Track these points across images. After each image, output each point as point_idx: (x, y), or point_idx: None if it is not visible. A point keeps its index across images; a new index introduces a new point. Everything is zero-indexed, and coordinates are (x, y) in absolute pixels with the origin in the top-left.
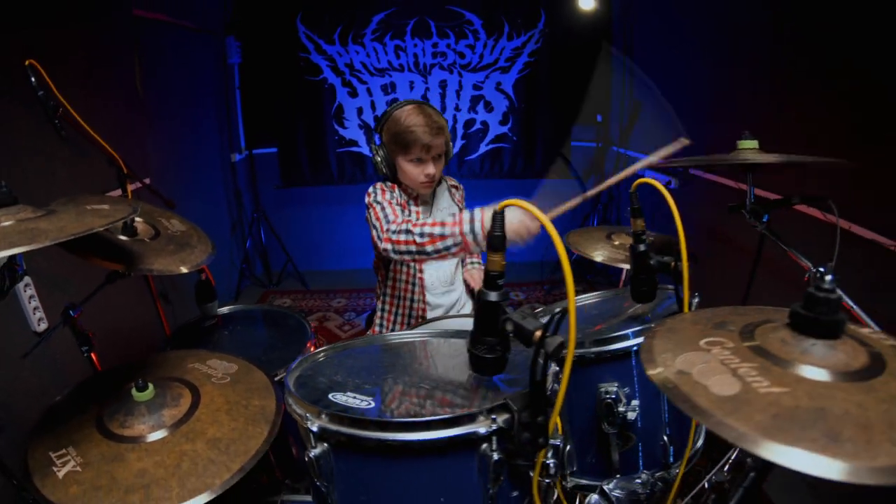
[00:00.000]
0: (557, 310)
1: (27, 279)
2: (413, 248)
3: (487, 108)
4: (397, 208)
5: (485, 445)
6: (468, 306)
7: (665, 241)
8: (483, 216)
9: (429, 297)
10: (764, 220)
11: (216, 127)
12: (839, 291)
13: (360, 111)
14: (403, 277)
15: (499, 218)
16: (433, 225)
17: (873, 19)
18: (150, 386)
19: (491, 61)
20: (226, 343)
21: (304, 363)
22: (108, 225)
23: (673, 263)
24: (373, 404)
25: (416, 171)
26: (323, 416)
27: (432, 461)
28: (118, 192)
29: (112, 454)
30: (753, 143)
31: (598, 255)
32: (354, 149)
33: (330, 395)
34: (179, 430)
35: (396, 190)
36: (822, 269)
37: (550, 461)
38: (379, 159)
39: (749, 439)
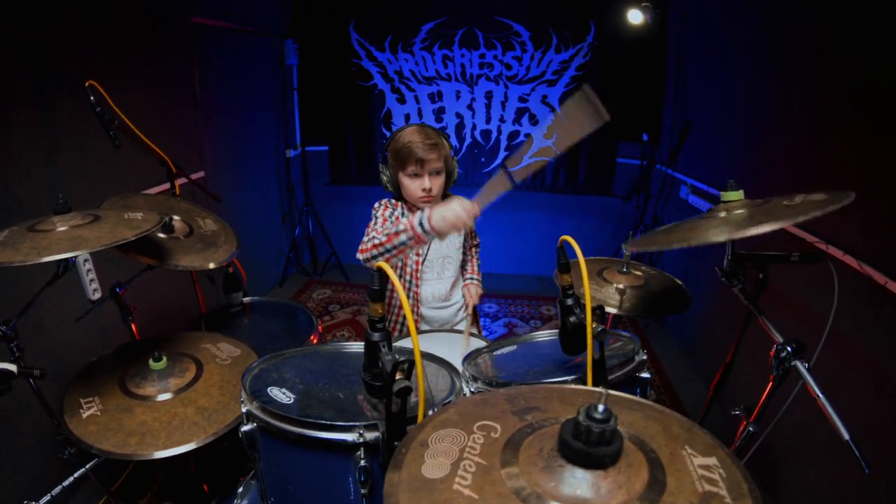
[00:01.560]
0: (404, 359)
1: (86, 255)
2: (375, 251)
3: (532, 120)
4: (390, 223)
5: (357, 453)
6: (463, 323)
7: (665, 282)
8: (430, 213)
9: (422, 310)
10: (739, 281)
11: (272, 124)
12: (614, 422)
13: (407, 117)
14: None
15: (375, 276)
16: (392, 226)
17: None
18: (164, 358)
19: (538, 74)
20: (243, 329)
21: (271, 359)
22: (135, 237)
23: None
24: (291, 401)
25: (413, 186)
26: (254, 403)
27: (320, 455)
28: (167, 185)
29: (125, 406)
30: (738, 195)
31: (579, 291)
32: None
33: (268, 389)
34: (179, 396)
35: (399, 207)
36: (600, 398)
37: None
38: (385, 178)
39: None
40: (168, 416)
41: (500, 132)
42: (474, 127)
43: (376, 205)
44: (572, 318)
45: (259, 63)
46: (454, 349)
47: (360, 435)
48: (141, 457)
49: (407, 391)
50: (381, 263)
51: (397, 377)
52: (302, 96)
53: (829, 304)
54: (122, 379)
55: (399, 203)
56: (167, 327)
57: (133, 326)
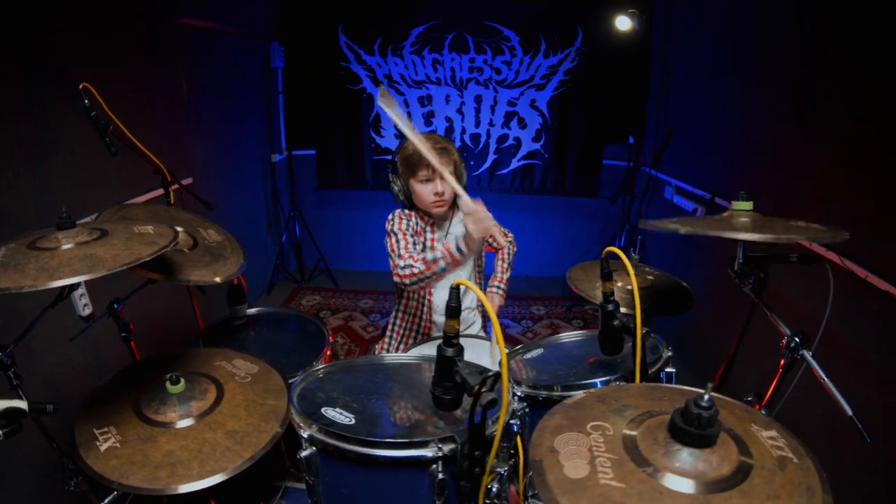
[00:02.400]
0: (490, 373)
1: None
2: (415, 278)
3: (521, 124)
4: (410, 239)
5: (433, 467)
6: (476, 325)
7: (670, 283)
8: (463, 236)
9: (435, 318)
10: (750, 281)
11: (258, 128)
12: (716, 409)
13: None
14: (415, 297)
15: (454, 292)
16: (428, 252)
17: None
18: (182, 380)
19: (526, 78)
20: (251, 343)
21: (308, 377)
22: (154, 254)
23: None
24: (353, 421)
25: (425, 191)
26: (313, 426)
27: (393, 472)
28: (160, 191)
29: (146, 435)
30: (748, 205)
31: (596, 294)
32: (389, 157)
33: (322, 410)
34: (204, 420)
35: (413, 217)
36: (704, 391)
37: (494, 486)
38: (396, 188)
39: None
40: (197, 443)
41: (489, 136)
42: (464, 131)
43: (390, 217)
44: (616, 322)
45: (245, 65)
46: (473, 353)
47: (439, 448)
48: (174, 491)
49: (493, 404)
50: (462, 280)
51: (478, 388)
52: (288, 100)
53: (820, 301)
54: (137, 404)
55: (412, 213)
56: (164, 344)
57: (133, 345)
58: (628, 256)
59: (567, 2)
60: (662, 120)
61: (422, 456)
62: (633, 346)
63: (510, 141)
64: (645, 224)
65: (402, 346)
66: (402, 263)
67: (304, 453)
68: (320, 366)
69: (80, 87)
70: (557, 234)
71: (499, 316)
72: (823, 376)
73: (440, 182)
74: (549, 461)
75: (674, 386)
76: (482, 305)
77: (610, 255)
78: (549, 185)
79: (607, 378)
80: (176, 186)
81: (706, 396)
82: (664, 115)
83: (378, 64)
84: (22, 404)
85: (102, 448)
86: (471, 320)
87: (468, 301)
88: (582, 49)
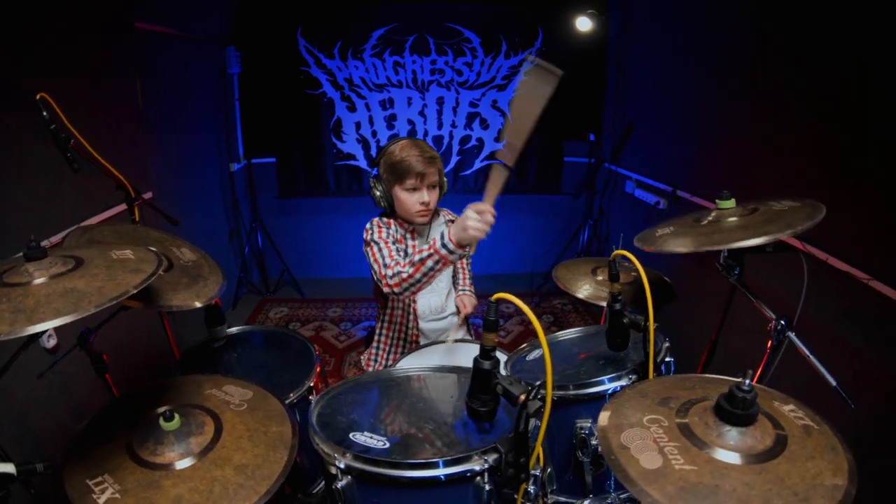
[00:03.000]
0: (538, 383)
1: None
2: (406, 284)
3: (483, 125)
4: (393, 247)
5: (478, 479)
6: (461, 330)
7: (651, 277)
8: (448, 232)
9: (422, 325)
10: (735, 272)
11: (215, 136)
12: (755, 392)
13: (358, 126)
14: (400, 307)
15: (492, 307)
16: (415, 255)
17: (861, 57)
18: (176, 416)
19: (488, 79)
20: (235, 366)
21: (321, 401)
22: (143, 283)
23: (643, 323)
24: (387, 444)
25: (411, 200)
26: (347, 455)
27: (436, 491)
28: (122, 207)
29: (148, 481)
30: (731, 203)
31: (582, 292)
32: (352, 162)
33: (351, 435)
34: (207, 456)
35: (392, 225)
36: (744, 376)
37: (531, 488)
38: (378, 193)
39: None
40: (206, 483)
41: (451, 137)
42: (426, 133)
43: (368, 226)
44: (625, 320)
45: (201, 72)
46: (464, 357)
47: (484, 461)
48: None
49: (541, 411)
50: (503, 294)
51: (524, 397)
52: (245, 107)
53: (788, 285)
54: (130, 446)
55: (391, 221)
56: (139, 374)
57: (108, 378)
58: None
59: (527, 3)
60: (620, 117)
61: (469, 471)
62: (644, 342)
63: (473, 142)
64: (641, 246)
65: (391, 357)
66: (389, 273)
67: (339, 484)
68: (330, 388)
69: (38, 97)
70: (521, 232)
71: (471, 316)
72: (808, 353)
73: (427, 191)
74: (624, 457)
75: (698, 375)
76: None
77: (620, 258)
78: (513, 183)
79: (618, 373)
80: (139, 202)
81: (747, 382)
82: (622, 112)
83: (338, 68)
84: (9, 468)
85: (101, 501)
86: (454, 324)
87: (451, 306)
88: (542, 49)
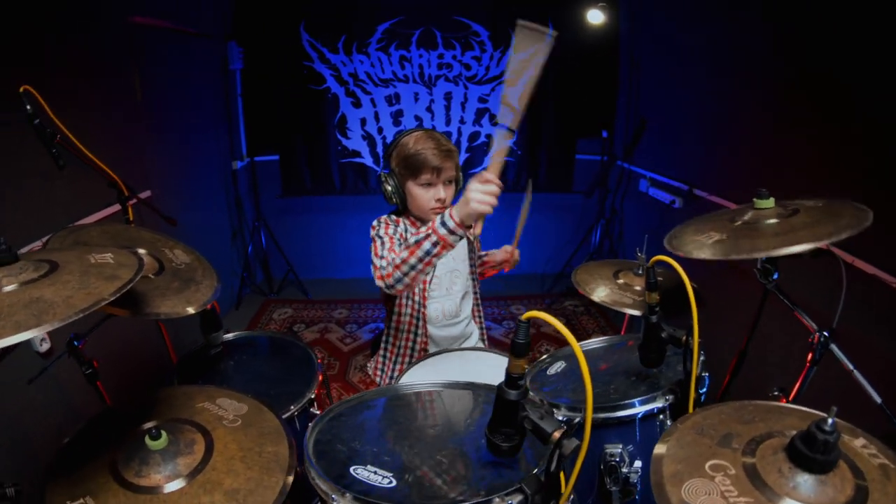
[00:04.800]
0: (578, 419)
1: None
2: (399, 272)
3: (492, 121)
4: (397, 242)
5: None
6: (474, 336)
7: (678, 281)
8: (450, 210)
9: (431, 331)
10: (773, 277)
11: (216, 134)
12: (838, 433)
13: (363, 122)
14: (408, 311)
15: (523, 328)
16: (409, 238)
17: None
18: (164, 434)
19: (497, 73)
20: (232, 375)
21: (319, 424)
22: (117, 293)
23: (684, 338)
24: (393, 482)
25: (426, 196)
26: (347, 495)
27: None
28: (116, 207)
29: None
30: (769, 203)
31: (599, 296)
32: (357, 160)
33: (351, 469)
34: (196, 479)
35: (401, 224)
36: (829, 414)
37: None
38: (389, 188)
39: None
40: None
41: (460, 134)
42: (434, 129)
43: (375, 223)
44: (664, 334)
45: (202, 67)
46: (474, 366)
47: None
48: None
49: (577, 451)
50: (534, 313)
51: (558, 436)
52: (247, 103)
53: (821, 293)
54: (115, 466)
55: (400, 219)
56: (134, 382)
57: (100, 385)
58: (634, 256)
59: None
60: (633, 112)
61: None
62: (685, 358)
63: (482, 138)
64: (671, 247)
65: (398, 367)
66: (384, 263)
67: None
68: (330, 407)
69: (21, 90)
70: (532, 232)
71: (507, 264)
72: (852, 368)
73: (443, 187)
74: None
75: (755, 403)
76: (480, 315)
77: (660, 263)
78: (523, 181)
79: (652, 394)
80: (133, 201)
81: (830, 421)
82: (635, 108)
83: (343, 62)
84: None
85: None
86: (469, 332)
87: (466, 310)
88: (552, 43)
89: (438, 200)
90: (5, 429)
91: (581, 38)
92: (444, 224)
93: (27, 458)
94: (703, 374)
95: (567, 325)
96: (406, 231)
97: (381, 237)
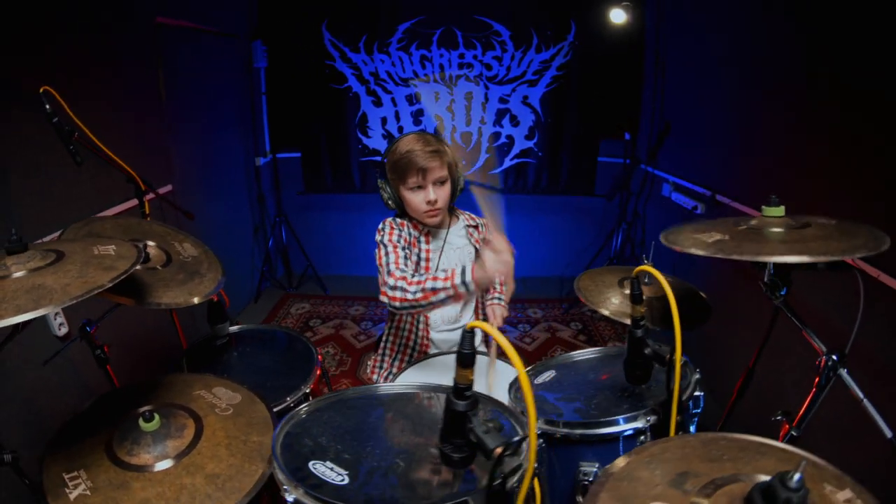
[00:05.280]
0: (516, 438)
1: None
2: (407, 304)
3: (513, 121)
4: (402, 253)
5: None
6: (476, 338)
7: (685, 291)
8: (473, 269)
9: (432, 334)
10: (782, 293)
11: (240, 130)
12: (806, 490)
13: (384, 121)
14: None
15: (468, 337)
16: (427, 280)
17: None
18: (156, 417)
19: (518, 74)
20: (234, 365)
21: (294, 418)
22: (114, 281)
23: (668, 357)
24: (346, 481)
25: (416, 200)
26: (299, 489)
27: None
28: (135, 202)
29: (119, 481)
30: (779, 210)
31: (606, 308)
32: (377, 158)
33: (310, 464)
34: (181, 462)
35: (406, 227)
36: (796, 468)
37: None
38: (386, 195)
39: None
40: (174, 490)
41: (480, 134)
42: (454, 129)
43: (380, 227)
44: (647, 350)
45: (226, 66)
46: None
47: None
48: None
49: (517, 470)
50: (477, 323)
51: (499, 452)
52: (271, 101)
53: (840, 308)
54: (110, 444)
55: (405, 222)
56: (145, 367)
57: (109, 369)
58: (640, 261)
59: None
60: (658, 115)
61: None
62: (668, 376)
63: (502, 139)
64: (668, 244)
65: (396, 366)
66: (391, 282)
67: None
68: (309, 402)
69: (41, 90)
70: (552, 234)
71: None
72: (862, 396)
73: (433, 188)
74: None
75: (730, 436)
76: (484, 313)
77: (642, 274)
78: (544, 183)
79: (634, 413)
80: (151, 196)
81: (796, 477)
82: (659, 110)
83: (364, 62)
84: None
85: (72, 496)
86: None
87: (468, 316)
88: (575, 43)
89: (429, 203)
90: (22, 405)
91: (605, 37)
92: (464, 283)
93: (40, 434)
94: (698, 394)
95: (584, 330)
96: (410, 235)
97: (385, 245)
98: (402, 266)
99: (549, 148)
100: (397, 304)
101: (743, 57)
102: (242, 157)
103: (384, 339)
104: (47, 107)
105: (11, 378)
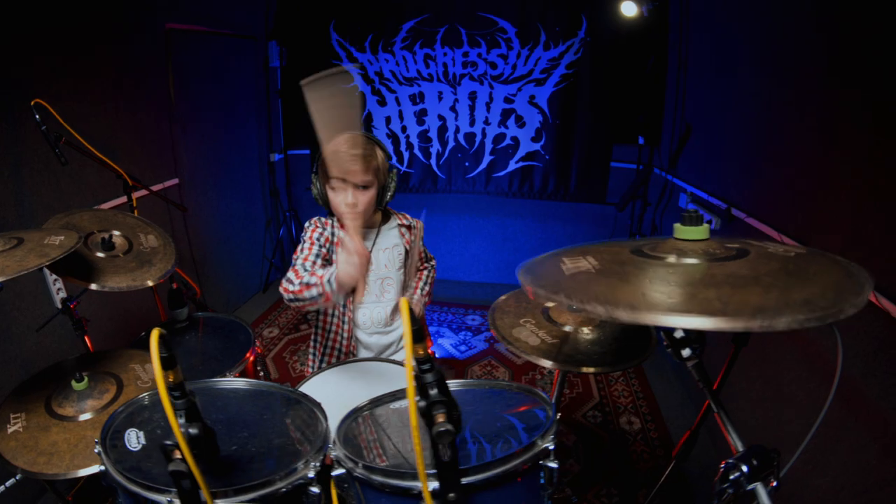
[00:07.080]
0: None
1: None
2: (291, 296)
3: (519, 122)
4: (314, 251)
5: None
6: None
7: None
8: (336, 272)
9: (360, 335)
10: (696, 352)
11: (256, 128)
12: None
13: (388, 120)
14: (334, 313)
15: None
16: (309, 276)
17: None
18: (86, 379)
19: (524, 72)
20: (183, 348)
21: (132, 404)
22: (38, 266)
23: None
24: (137, 448)
25: (336, 200)
26: (97, 447)
27: None
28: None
29: (44, 425)
30: (699, 232)
31: (518, 343)
32: None
33: (128, 430)
34: (91, 418)
35: (329, 226)
36: None
37: None
38: (315, 191)
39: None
40: (76, 438)
41: (484, 135)
42: (457, 130)
43: (307, 224)
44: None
45: (240, 66)
46: (384, 383)
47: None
48: (46, 476)
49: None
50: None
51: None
52: (286, 99)
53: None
54: (49, 397)
55: (329, 221)
56: (123, 339)
57: (87, 339)
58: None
59: None
60: (679, 117)
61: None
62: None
63: (507, 141)
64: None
65: (325, 363)
66: (288, 275)
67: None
68: (192, 382)
69: (32, 103)
70: (559, 243)
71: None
72: None
73: (353, 192)
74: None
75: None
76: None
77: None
78: (551, 188)
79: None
80: (143, 192)
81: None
82: (681, 113)
83: (369, 61)
84: None
85: (9, 430)
86: (401, 345)
87: (395, 325)
88: (587, 40)
89: (348, 205)
90: (21, 366)
91: (621, 33)
92: (329, 282)
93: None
94: (551, 464)
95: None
96: (333, 235)
97: (303, 241)
98: (307, 264)
99: (556, 151)
100: (286, 295)
101: (774, 60)
102: (257, 153)
103: (312, 336)
104: (37, 117)
105: (14, 341)
